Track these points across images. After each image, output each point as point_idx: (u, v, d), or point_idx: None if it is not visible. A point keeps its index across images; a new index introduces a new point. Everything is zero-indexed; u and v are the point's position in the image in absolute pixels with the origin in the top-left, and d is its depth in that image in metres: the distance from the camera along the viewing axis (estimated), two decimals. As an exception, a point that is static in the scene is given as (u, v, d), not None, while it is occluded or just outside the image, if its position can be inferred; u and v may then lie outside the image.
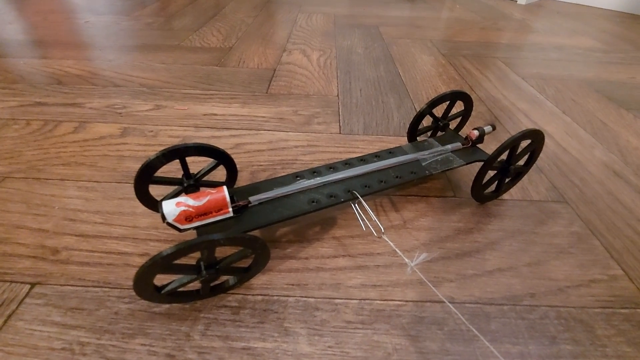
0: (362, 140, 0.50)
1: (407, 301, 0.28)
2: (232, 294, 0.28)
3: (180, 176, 0.33)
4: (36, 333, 0.25)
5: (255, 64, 0.75)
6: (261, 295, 0.28)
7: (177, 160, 0.31)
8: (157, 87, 0.62)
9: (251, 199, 0.30)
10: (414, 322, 0.27)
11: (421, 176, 0.36)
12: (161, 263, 0.22)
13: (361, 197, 0.32)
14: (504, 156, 0.36)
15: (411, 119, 0.43)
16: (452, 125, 0.47)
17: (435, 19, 1.19)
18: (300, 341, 0.25)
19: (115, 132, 0.49)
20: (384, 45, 0.90)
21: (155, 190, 0.33)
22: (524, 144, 0.36)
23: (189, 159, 0.33)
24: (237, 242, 0.24)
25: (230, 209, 0.28)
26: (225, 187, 0.29)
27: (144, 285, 0.23)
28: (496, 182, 0.38)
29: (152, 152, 0.45)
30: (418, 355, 0.25)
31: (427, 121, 0.45)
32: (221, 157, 0.33)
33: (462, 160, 0.37)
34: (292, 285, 0.29)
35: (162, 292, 0.25)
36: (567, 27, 1.15)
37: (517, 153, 0.36)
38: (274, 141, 0.48)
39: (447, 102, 0.44)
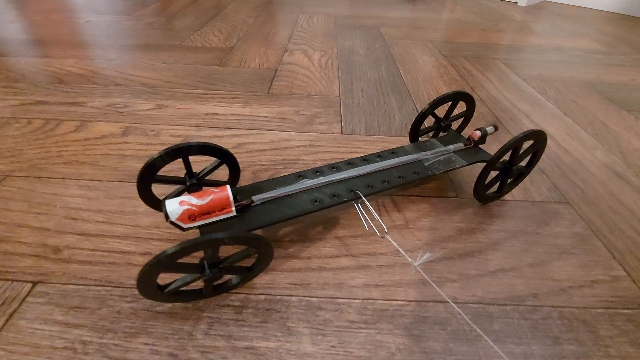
0: (364, 140, 0.50)
1: (410, 301, 0.28)
2: (235, 293, 0.28)
3: (182, 175, 0.33)
4: (38, 332, 0.25)
5: (256, 64, 0.75)
6: (264, 294, 0.28)
7: (180, 160, 0.31)
8: (159, 87, 0.62)
9: (254, 198, 0.30)
10: (417, 322, 0.27)
11: (424, 176, 0.36)
12: (165, 261, 0.22)
13: (364, 196, 0.32)
14: (506, 157, 0.36)
15: (413, 120, 0.43)
16: (454, 125, 0.47)
17: (436, 20, 1.19)
18: (303, 341, 0.25)
19: (116, 131, 0.49)
20: (385, 46, 0.90)
21: (157, 190, 0.32)
22: (526, 144, 0.36)
23: (191, 158, 0.33)
24: (240, 241, 0.24)
25: (234, 208, 0.28)
26: (228, 186, 0.29)
27: (147, 283, 0.23)
28: (498, 183, 0.38)
29: (153, 152, 0.45)
30: (421, 355, 0.25)
31: (429, 122, 0.45)
32: (224, 156, 0.33)
33: (464, 161, 0.38)
34: (295, 284, 0.29)
35: (165, 291, 0.25)
36: (568, 29, 1.16)
37: (520, 154, 0.36)
38: (276, 141, 0.48)
39: (449, 103, 0.44)
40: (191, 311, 0.27)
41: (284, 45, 0.87)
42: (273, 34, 0.96)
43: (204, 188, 0.33)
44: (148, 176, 0.30)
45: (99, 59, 0.74)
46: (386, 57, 0.82)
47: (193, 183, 0.32)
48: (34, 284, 0.28)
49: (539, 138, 0.35)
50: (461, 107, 0.46)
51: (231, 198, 0.28)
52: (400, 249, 0.29)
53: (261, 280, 0.30)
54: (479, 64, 0.80)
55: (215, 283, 0.27)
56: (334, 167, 0.36)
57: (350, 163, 0.36)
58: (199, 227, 0.28)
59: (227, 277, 0.28)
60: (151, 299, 0.25)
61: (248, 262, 0.28)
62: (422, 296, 0.29)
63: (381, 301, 0.28)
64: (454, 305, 0.25)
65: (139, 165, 0.42)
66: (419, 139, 0.45)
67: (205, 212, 0.27)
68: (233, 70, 0.71)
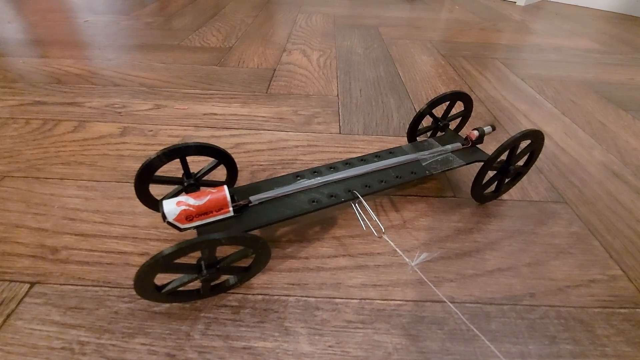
0: (362, 140, 0.50)
1: (407, 301, 0.28)
2: (233, 293, 0.28)
3: (180, 175, 0.33)
4: (36, 332, 0.25)
5: (255, 63, 0.75)
6: (261, 294, 0.28)
7: (177, 160, 0.31)
8: (157, 87, 0.62)
9: (251, 198, 0.30)
10: (414, 322, 0.27)
11: (421, 176, 0.36)
12: (162, 262, 0.22)
13: (362, 196, 0.32)
14: (503, 156, 0.36)
15: (411, 119, 0.43)
16: (452, 125, 0.48)
17: (434, 19, 1.19)
18: (300, 341, 0.25)
19: (114, 131, 0.49)
20: (384, 46, 0.90)
21: (155, 190, 0.32)
22: (524, 144, 0.36)
23: (189, 159, 0.33)
24: (238, 242, 0.24)
25: (231, 209, 0.28)
26: (225, 187, 0.29)
27: (144, 284, 0.23)
28: (496, 183, 0.38)
29: (151, 152, 0.45)
30: (418, 354, 0.25)
31: (427, 121, 0.45)
32: (222, 157, 0.33)
33: (462, 161, 0.38)
34: (293, 284, 0.29)
35: (163, 291, 0.25)
36: (566, 29, 1.16)
37: (517, 153, 0.36)
38: (274, 141, 0.48)
39: (447, 103, 0.44)
40: (189, 311, 0.27)
41: (283, 45, 0.87)
42: (271, 34, 0.96)
43: (202, 188, 0.33)
44: (146, 176, 0.30)
45: (97, 59, 0.74)
46: (385, 57, 0.82)
47: (190, 183, 0.32)
48: (32, 284, 0.28)
49: (536, 137, 0.35)
50: (459, 106, 0.46)
51: (228, 198, 0.28)
52: (397, 249, 0.29)
53: (259, 280, 0.30)
54: (478, 64, 0.80)
55: (212, 283, 0.27)
56: (332, 167, 0.36)
57: (348, 163, 0.36)
58: (196, 227, 0.28)
59: (224, 277, 0.28)
60: (149, 300, 0.25)
61: (245, 263, 0.28)
62: (420, 296, 0.29)
63: (378, 301, 0.28)
64: (451, 305, 0.26)
65: (137, 165, 0.42)
66: (417, 138, 0.45)
67: (202, 212, 0.27)
68: (231, 70, 0.71)
